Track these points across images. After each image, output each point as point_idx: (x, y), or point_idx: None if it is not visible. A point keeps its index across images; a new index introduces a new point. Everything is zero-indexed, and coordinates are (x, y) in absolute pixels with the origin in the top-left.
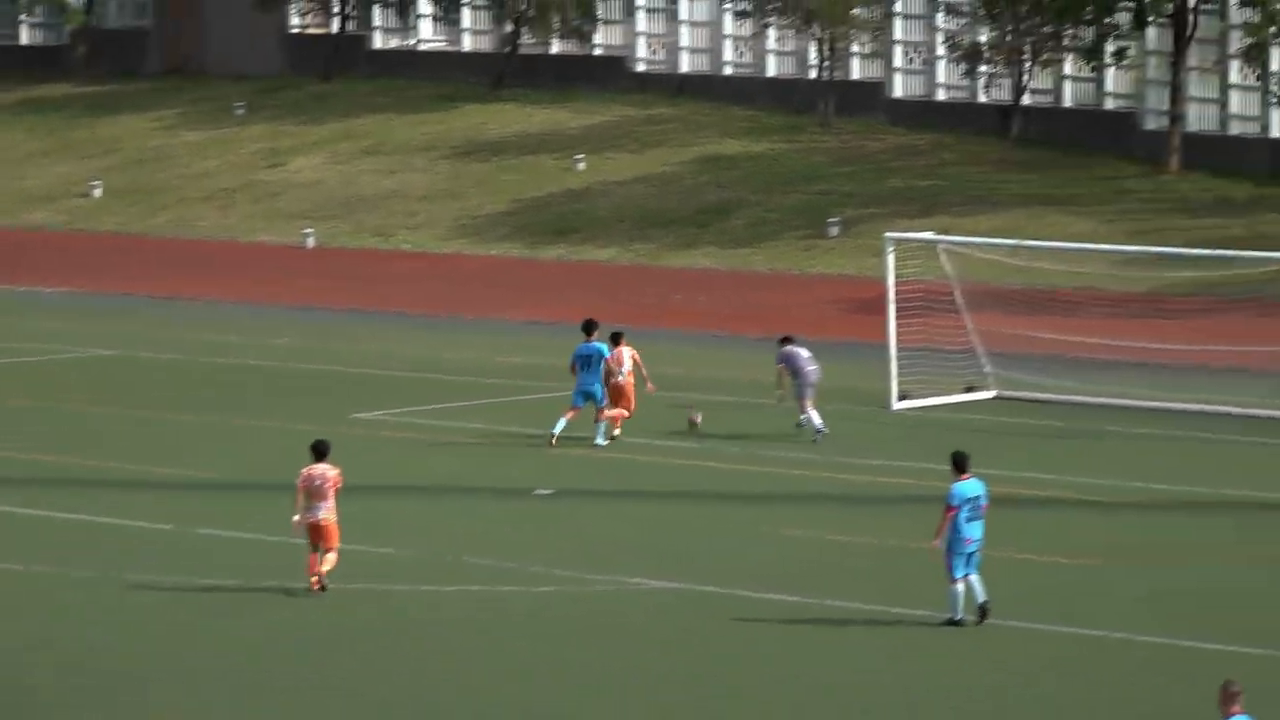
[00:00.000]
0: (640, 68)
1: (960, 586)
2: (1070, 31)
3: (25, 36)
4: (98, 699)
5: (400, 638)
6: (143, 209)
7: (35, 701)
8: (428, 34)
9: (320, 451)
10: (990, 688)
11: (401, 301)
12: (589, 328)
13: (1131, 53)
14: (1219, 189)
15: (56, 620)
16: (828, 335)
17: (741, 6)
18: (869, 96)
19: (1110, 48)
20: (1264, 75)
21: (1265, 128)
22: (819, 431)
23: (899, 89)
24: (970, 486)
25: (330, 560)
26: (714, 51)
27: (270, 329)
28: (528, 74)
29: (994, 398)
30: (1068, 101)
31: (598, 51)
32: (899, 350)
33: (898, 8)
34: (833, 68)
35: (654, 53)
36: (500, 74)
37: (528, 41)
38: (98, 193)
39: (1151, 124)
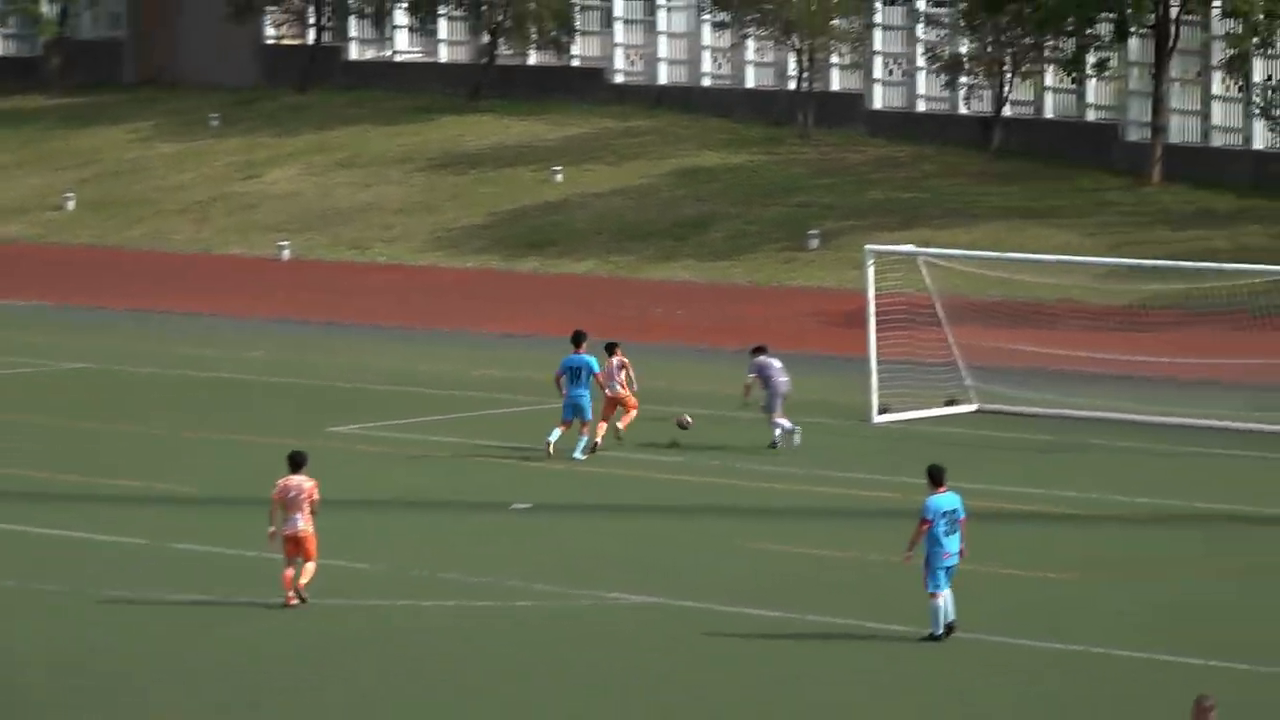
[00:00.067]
0: (618, 79)
1: (940, 601)
2: (1051, 43)
3: None
4: (83, 713)
5: (386, 647)
6: (117, 221)
7: None
8: (404, 45)
9: (297, 463)
10: (971, 703)
11: (377, 314)
12: (578, 339)
13: (1113, 64)
14: (1201, 201)
15: (25, 636)
16: (807, 348)
17: (720, 18)
18: (849, 108)
19: (1091, 59)
20: (1246, 87)
21: (1247, 139)
22: (792, 431)
23: (879, 100)
24: (946, 500)
25: (309, 571)
26: (692, 63)
27: (245, 342)
28: (505, 85)
29: (975, 411)
30: (1049, 113)
31: (575, 63)
32: (879, 363)
33: (877, 19)
34: (812, 79)
35: (632, 64)
36: (477, 85)
37: (505, 53)
38: (71, 205)
39: (1133, 136)
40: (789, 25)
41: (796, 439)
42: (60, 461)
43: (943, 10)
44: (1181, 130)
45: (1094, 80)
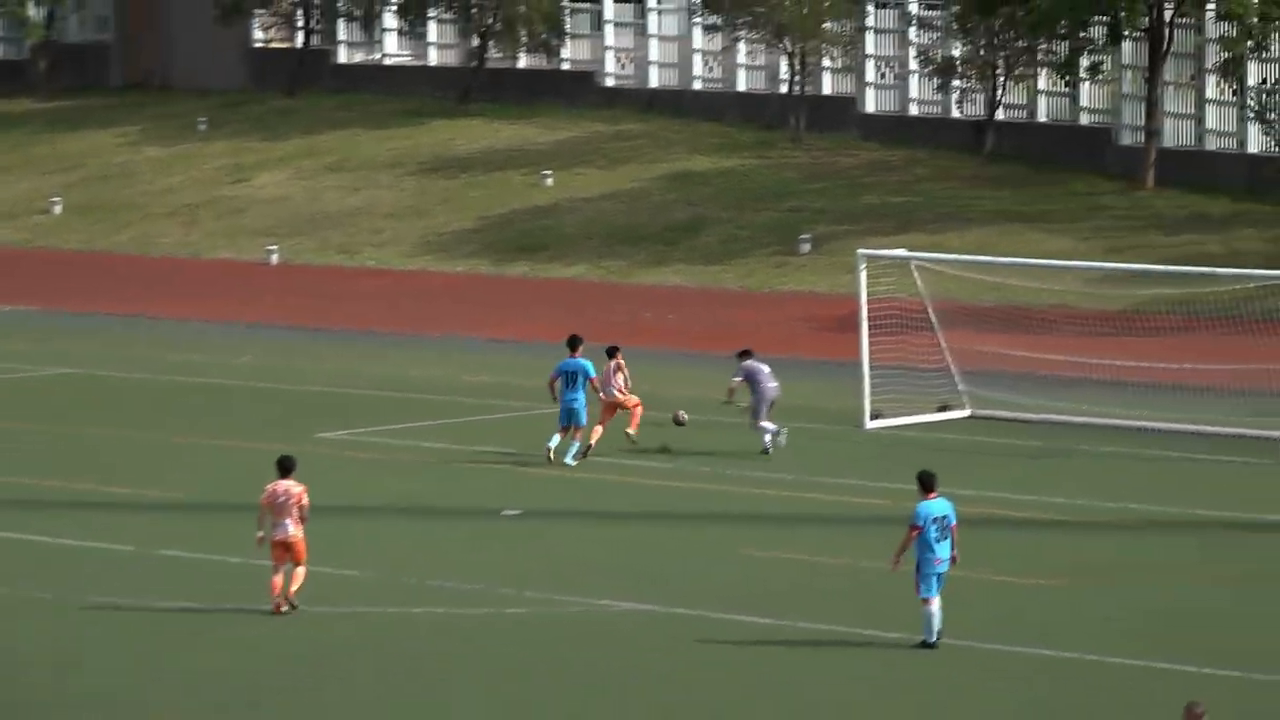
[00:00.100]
0: (609, 83)
1: (933, 607)
2: (1044, 46)
3: None
4: (84, 712)
5: (377, 654)
6: (105, 226)
7: None
8: (393, 48)
9: (286, 468)
10: (962, 710)
11: (366, 319)
12: (574, 344)
13: (1106, 68)
14: (1195, 205)
15: (15, 641)
16: (799, 353)
17: (711, 21)
18: (841, 112)
19: (1085, 62)
20: (1240, 90)
21: (1242, 143)
22: (778, 432)
23: (871, 104)
24: (937, 506)
25: (300, 576)
26: (683, 66)
27: (233, 347)
28: (495, 89)
29: (968, 417)
30: (1042, 117)
31: (566, 66)
32: (872, 369)
33: (870, 22)
34: (804, 82)
35: (623, 67)
36: (467, 89)
37: (495, 56)
38: (59, 209)
39: (1127, 139)
40: (781, 28)
41: (782, 439)
42: (47, 467)
43: (935, 13)
44: (1175, 134)
45: (1087, 84)
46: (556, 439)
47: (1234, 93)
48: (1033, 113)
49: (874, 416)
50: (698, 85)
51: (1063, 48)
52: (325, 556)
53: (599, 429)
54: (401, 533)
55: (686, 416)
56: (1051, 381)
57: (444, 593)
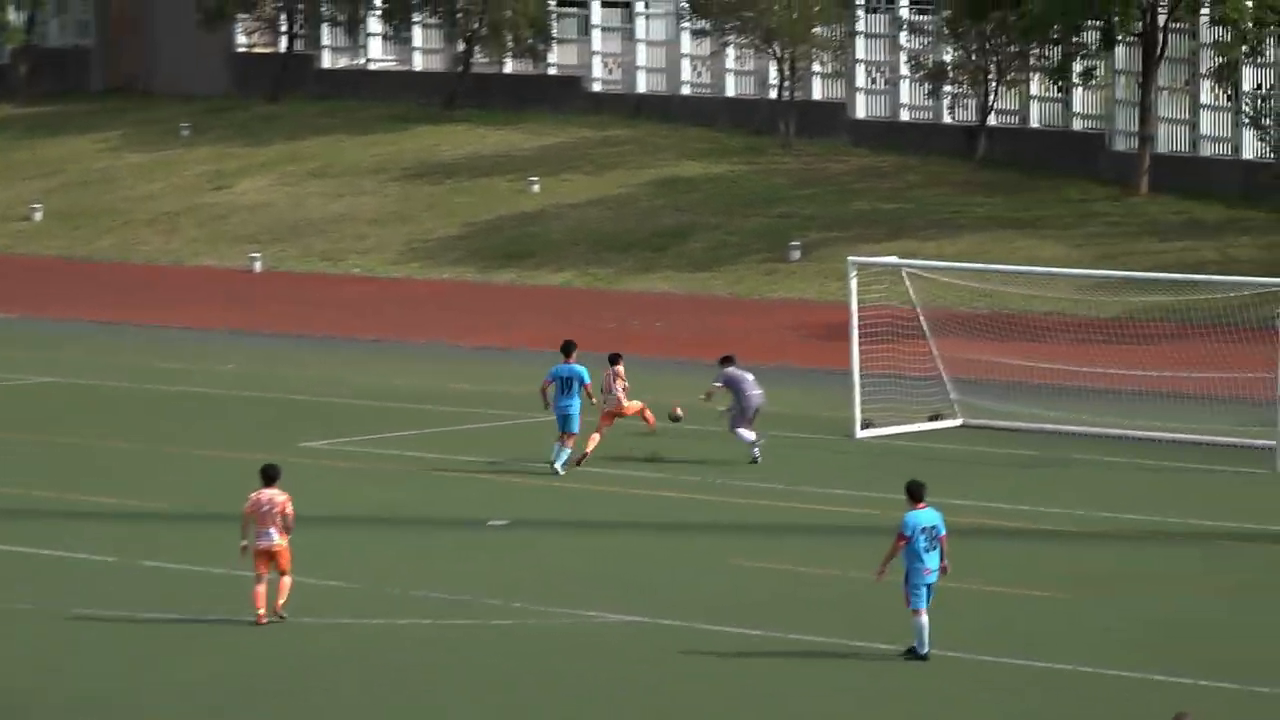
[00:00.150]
0: (596, 88)
1: (924, 618)
2: (1037, 51)
3: None
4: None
5: (362, 665)
6: (86, 232)
7: None
8: (377, 53)
9: (270, 476)
10: None
11: (351, 327)
12: (568, 349)
13: (1099, 73)
14: (1189, 211)
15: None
16: (789, 362)
17: (700, 25)
18: (831, 117)
19: (1078, 67)
20: (1235, 95)
21: (1236, 149)
22: (754, 443)
23: (862, 109)
24: (925, 516)
25: (286, 586)
26: (672, 71)
27: (216, 355)
28: (481, 94)
29: (960, 426)
30: (1034, 122)
31: (552, 71)
32: (862, 377)
33: (860, 26)
34: (793, 88)
35: (610, 72)
36: (452, 94)
37: (480, 61)
38: (39, 216)
39: (1120, 145)
40: (770, 33)
41: (757, 451)
42: (27, 477)
43: (926, 18)
44: (1169, 140)
45: (1080, 89)
46: (556, 447)
47: (1229, 98)
48: (1025, 118)
49: (865, 426)
50: (686, 90)
51: (1055, 52)
52: (309, 567)
53: (596, 437)
54: (386, 543)
55: (683, 412)
56: (1044, 390)
57: (429, 604)
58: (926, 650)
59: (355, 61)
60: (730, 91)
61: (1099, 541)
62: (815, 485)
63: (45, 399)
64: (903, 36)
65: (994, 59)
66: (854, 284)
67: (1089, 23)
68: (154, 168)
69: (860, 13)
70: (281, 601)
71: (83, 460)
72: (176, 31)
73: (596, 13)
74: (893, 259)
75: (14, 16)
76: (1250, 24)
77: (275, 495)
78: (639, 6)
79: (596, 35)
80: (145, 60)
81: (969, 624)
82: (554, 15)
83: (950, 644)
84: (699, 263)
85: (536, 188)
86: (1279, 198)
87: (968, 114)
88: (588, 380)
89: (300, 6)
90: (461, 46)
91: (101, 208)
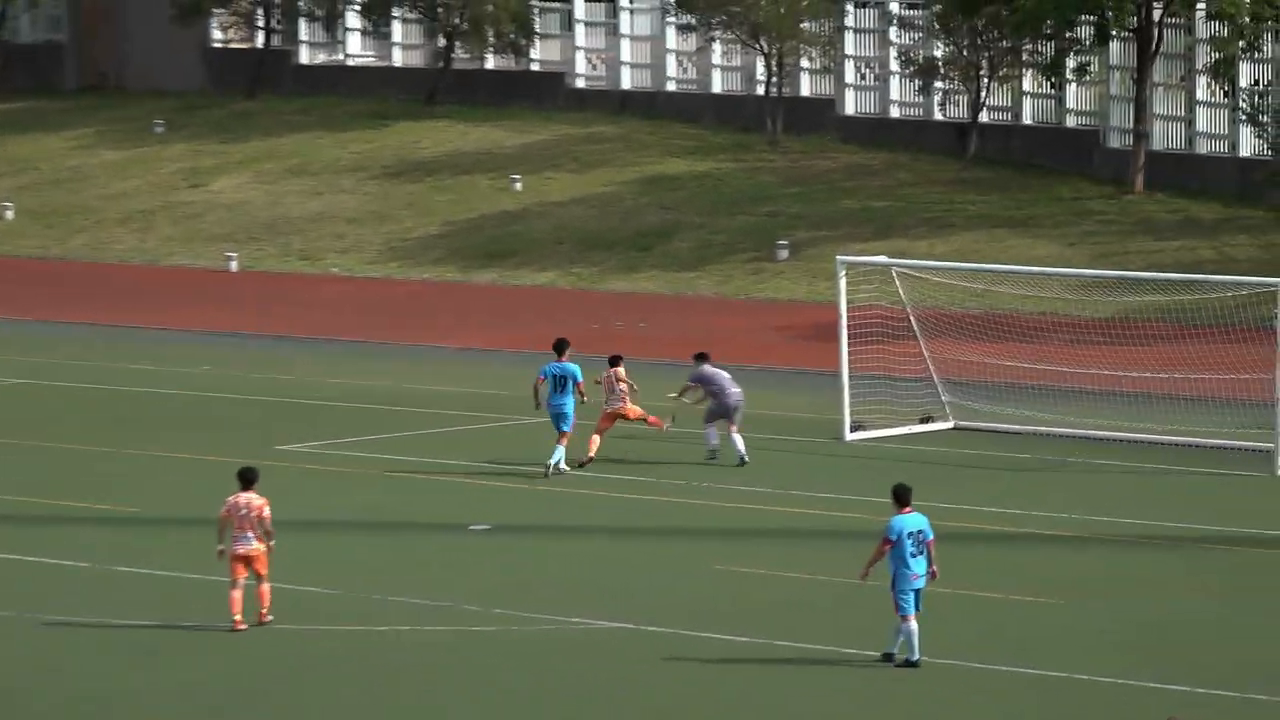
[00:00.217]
0: (579, 84)
1: (913, 624)
2: (1029, 46)
3: None
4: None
5: (338, 673)
6: (58, 231)
7: None
8: (356, 49)
9: (248, 479)
10: None
11: (329, 328)
12: (560, 347)
13: (1093, 68)
14: (1185, 210)
15: None
16: (776, 363)
17: (685, 20)
18: (819, 114)
19: (1071, 63)
20: (1232, 92)
21: (1233, 146)
22: (715, 449)
23: (851, 106)
24: (912, 520)
25: (266, 592)
26: (657, 67)
27: (191, 357)
28: (462, 90)
29: (952, 428)
30: (1027, 119)
31: (535, 67)
32: (852, 379)
33: (849, 21)
34: (781, 84)
35: (594, 68)
36: (433, 90)
37: (462, 56)
38: (10, 215)
39: (1115, 142)
40: (757, 28)
41: (716, 455)
42: None
43: (916, 13)
44: (1165, 137)
45: (1074, 85)
46: (559, 452)
47: (1225, 94)
48: (1017, 115)
49: (854, 428)
50: (671, 87)
51: (1048, 48)
52: (287, 573)
53: (597, 439)
54: (365, 548)
55: (689, 400)
56: (1038, 392)
57: (409, 610)
58: (918, 657)
59: (334, 57)
60: (716, 88)
61: (1093, 546)
62: (804, 489)
63: (15, 402)
64: (892, 31)
65: (986, 54)
66: (843, 284)
67: (1083, 17)
68: (128, 165)
69: (849, 7)
70: (266, 608)
71: (53, 464)
72: (150, 26)
73: (580, 7)
74: (882, 258)
75: None
76: (1247, 19)
77: (253, 499)
78: (623, 1)
79: (580, 30)
80: (118, 56)
81: (960, 629)
82: (536, 10)
83: (941, 650)
84: (684, 262)
85: (519, 186)
86: (1277, 196)
87: (959, 110)
88: (580, 379)
89: (277, 1)
90: (442, 42)
91: (74, 206)
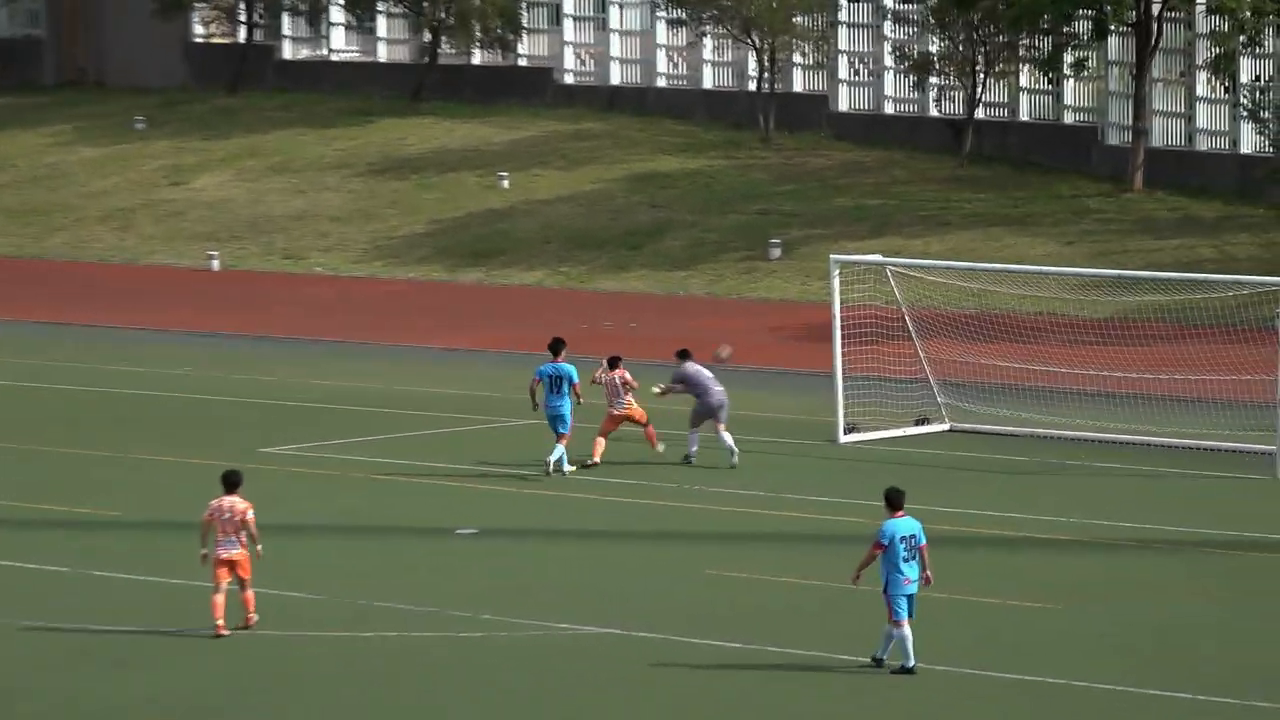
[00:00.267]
0: (568, 80)
1: (907, 630)
2: (1026, 41)
3: None
4: None
5: (322, 680)
6: (36, 230)
7: None
8: (340, 44)
9: (232, 483)
10: None
11: (313, 328)
12: (556, 347)
13: (1091, 64)
14: (1185, 208)
15: None
16: (769, 363)
17: (676, 15)
18: (812, 110)
19: (1069, 58)
20: (1233, 87)
21: (1234, 143)
22: (731, 451)
23: (844, 102)
24: (904, 525)
25: (251, 598)
26: (647, 63)
27: (171, 358)
28: (448, 86)
29: (947, 430)
30: (1024, 115)
31: (523, 62)
32: (846, 380)
33: (842, 16)
34: (773, 80)
35: (583, 64)
36: (418, 86)
37: (448, 52)
38: None
39: (1113, 139)
40: (748, 23)
41: (690, 456)
42: None
43: (911, 7)
44: (1164, 133)
45: (1071, 81)
46: (561, 453)
47: (1226, 90)
48: (1014, 111)
49: (848, 430)
50: (662, 83)
51: (1046, 43)
52: (270, 578)
53: (601, 441)
54: (351, 552)
55: (728, 352)
56: (1035, 393)
57: (395, 615)
58: (913, 663)
59: (317, 52)
60: (708, 84)
61: (1091, 550)
62: (797, 492)
63: None
64: (887, 26)
65: (982, 49)
66: (836, 283)
67: (1080, 11)
68: (107, 162)
69: (842, 1)
70: (251, 611)
71: (31, 467)
72: (131, 21)
73: (568, 2)
74: (877, 257)
75: None
76: (1248, 13)
77: (236, 503)
78: None
79: (568, 25)
80: (98, 51)
81: (956, 634)
82: (524, 4)
83: (937, 656)
84: (675, 261)
85: (506, 183)
86: (1278, 193)
87: (954, 107)
88: (576, 380)
89: None
90: (428, 37)
91: (53, 204)
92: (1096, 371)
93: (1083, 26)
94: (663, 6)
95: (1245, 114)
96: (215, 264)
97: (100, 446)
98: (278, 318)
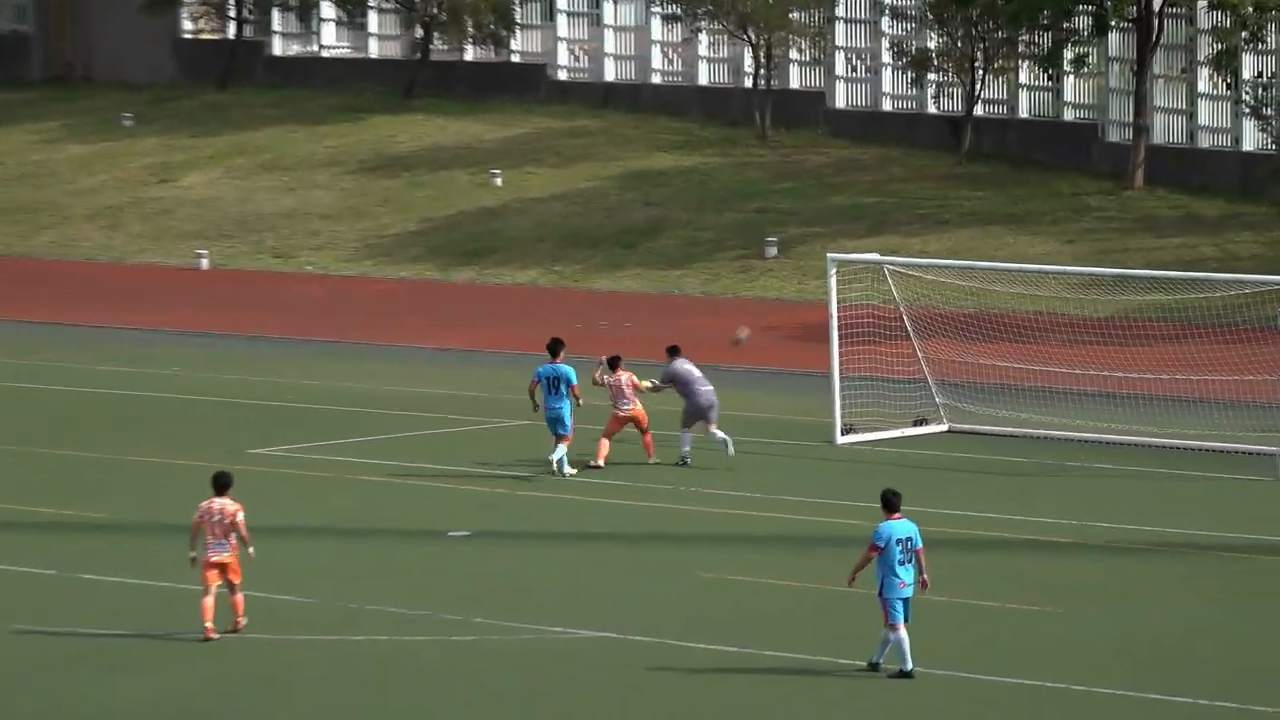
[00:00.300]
0: (562, 76)
1: (903, 634)
2: (1025, 37)
3: None
4: None
5: (313, 685)
6: (22, 228)
7: None
8: (331, 40)
9: (222, 484)
10: None
11: (303, 328)
12: (554, 348)
13: (1092, 60)
14: (1186, 206)
15: None
16: (765, 363)
17: (671, 10)
18: (809, 107)
19: (1069, 54)
20: (1235, 84)
21: (1236, 140)
22: (725, 443)
23: (841, 99)
24: (900, 527)
25: (240, 602)
26: (641, 59)
27: (160, 358)
28: (440, 83)
29: (946, 431)
30: (1023, 112)
31: (515, 59)
32: (843, 380)
33: (839, 11)
34: (770, 76)
35: (577, 60)
36: (410, 83)
37: (440, 48)
38: None
39: (1114, 136)
40: (744, 19)
41: (688, 460)
42: None
43: (909, 3)
44: (1166, 130)
45: (1072, 77)
46: (561, 454)
47: (1228, 87)
48: (1013, 108)
49: (845, 431)
50: (656, 79)
51: (1045, 39)
52: (260, 580)
53: (605, 443)
54: (342, 554)
55: (747, 333)
56: (1034, 393)
57: (386, 619)
58: (910, 667)
59: (308, 48)
60: (703, 80)
61: (1090, 552)
62: (793, 494)
63: None
64: (884, 22)
65: (981, 46)
66: (833, 282)
67: (1080, 7)
68: (95, 160)
69: None
70: (240, 614)
71: (17, 468)
72: (119, 16)
73: None
74: (874, 256)
75: None
76: (1250, 8)
77: (226, 505)
78: None
79: (562, 21)
80: (86, 47)
81: (954, 638)
82: (517, 0)
83: (935, 660)
84: (670, 260)
85: (499, 181)
86: None
87: (953, 104)
88: (574, 381)
89: None
90: (420, 33)
91: (39, 202)
92: (1096, 371)
93: (1083, 22)
94: (657, 2)
95: (1247, 111)
96: (204, 263)
97: (86, 447)
98: (267, 317)
